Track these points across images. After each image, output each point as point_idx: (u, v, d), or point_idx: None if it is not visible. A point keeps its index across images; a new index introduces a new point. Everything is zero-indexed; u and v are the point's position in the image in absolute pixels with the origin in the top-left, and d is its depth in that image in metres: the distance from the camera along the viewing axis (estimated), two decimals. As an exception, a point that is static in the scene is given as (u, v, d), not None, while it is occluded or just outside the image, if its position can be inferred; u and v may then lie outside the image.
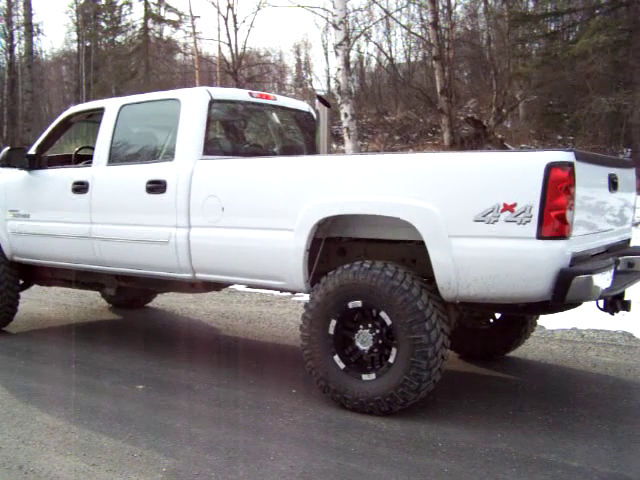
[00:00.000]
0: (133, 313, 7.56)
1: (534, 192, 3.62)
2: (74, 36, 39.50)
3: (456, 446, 3.68)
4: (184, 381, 4.93)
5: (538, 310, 4.24)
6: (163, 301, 8.02)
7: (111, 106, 5.55)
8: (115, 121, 5.44)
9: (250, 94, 5.47)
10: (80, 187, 5.48)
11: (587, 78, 17.09)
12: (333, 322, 4.23)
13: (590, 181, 3.96)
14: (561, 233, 3.63)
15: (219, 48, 25.93)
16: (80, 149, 6.45)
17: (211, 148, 5.01)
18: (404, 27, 25.95)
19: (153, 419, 4.16)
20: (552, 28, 21.40)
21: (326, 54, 50.91)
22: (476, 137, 21.06)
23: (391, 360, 4.04)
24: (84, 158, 6.20)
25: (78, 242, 5.55)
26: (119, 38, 38.92)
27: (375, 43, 26.68)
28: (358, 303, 4.14)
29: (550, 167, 3.60)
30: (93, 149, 6.10)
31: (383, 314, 4.05)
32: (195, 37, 26.03)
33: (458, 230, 3.83)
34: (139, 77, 29.78)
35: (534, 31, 19.46)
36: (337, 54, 17.42)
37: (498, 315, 5.29)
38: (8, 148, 5.86)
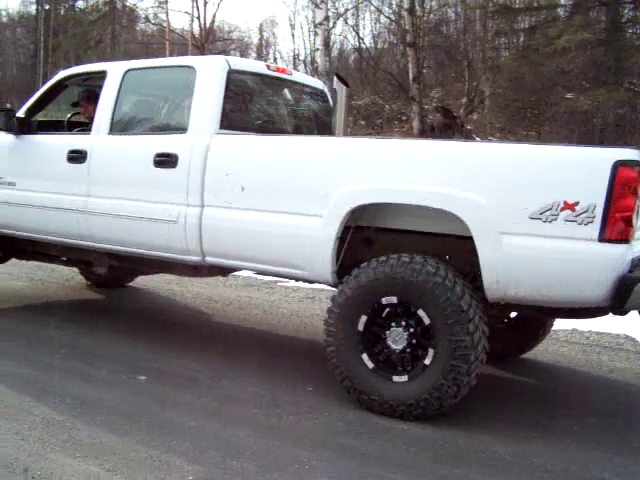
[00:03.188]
0: (115, 292, 7.10)
1: (599, 191, 3.37)
2: (32, -3, 37.94)
3: (500, 458, 3.43)
4: (187, 372, 4.56)
5: (582, 315, 4.00)
6: (145, 281, 7.57)
7: (114, 70, 5.08)
8: (119, 87, 4.98)
9: (267, 67, 5.09)
10: (77, 156, 5.01)
11: (564, 74, 17.12)
12: (363, 318, 3.92)
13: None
14: (625, 236, 3.40)
15: (192, 20, 25.09)
16: (73, 115, 5.94)
17: (227, 122, 4.61)
18: (381, 12, 25.52)
19: (163, 416, 3.79)
20: (528, 23, 21.40)
21: (293, 35, 50.17)
22: (445, 127, 20.92)
23: (427, 362, 3.76)
24: (77, 125, 5.72)
25: (71, 215, 5.09)
26: (80, 4, 37.55)
27: (352, 27, 26.22)
28: (393, 299, 3.84)
29: (618, 165, 3.35)
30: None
31: (421, 312, 3.76)
32: (167, 8, 25.17)
33: (511, 227, 3.56)
34: (104, 45, 28.69)
35: (513, 24, 19.38)
36: (317, 33, 17.03)
37: (513, 314, 5.08)
38: (-4, 109, 5.34)
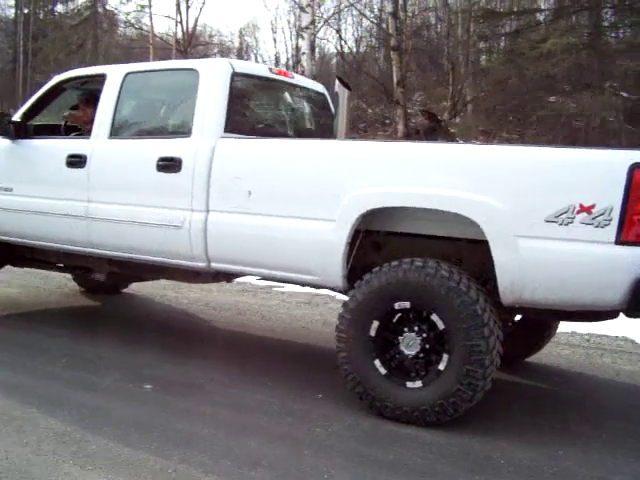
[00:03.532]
0: (110, 299, 6.98)
1: (615, 193, 3.35)
2: (11, 1, 37.50)
3: (519, 464, 3.39)
4: (193, 380, 4.48)
5: (596, 318, 3.98)
6: (138, 287, 7.46)
7: (114, 73, 4.99)
8: (119, 90, 4.89)
9: (270, 70, 5.03)
10: (76, 161, 4.91)
11: (549, 78, 17.23)
12: (375, 323, 3.86)
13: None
14: (641, 239, 3.38)
15: (176, 24, 24.93)
16: (66, 118, 5.81)
17: (231, 126, 4.54)
18: (364, 16, 25.55)
19: (174, 426, 3.70)
20: (510, 27, 21.51)
21: (274, 39, 50.15)
22: (430, 130, 20.97)
23: (441, 367, 3.72)
24: (73, 129, 5.62)
25: (71, 221, 4.98)
26: (60, 8, 37.18)
27: (336, 30, 26.21)
28: (406, 304, 3.79)
29: (634, 168, 3.33)
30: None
31: (435, 317, 3.71)
32: (151, 12, 24.99)
33: (527, 230, 3.52)
34: (86, 50, 28.40)
35: (498, 28, 19.47)
36: (303, 37, 17.04)
37: (518, 317, 5.05)
38: (-7, 114, 5.22)
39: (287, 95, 5.25)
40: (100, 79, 5.07)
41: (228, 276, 4.89)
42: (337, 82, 5.26)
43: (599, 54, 16.79)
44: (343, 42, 27.63)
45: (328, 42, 31.56)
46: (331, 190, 4.00)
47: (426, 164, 3.81)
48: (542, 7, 19.13)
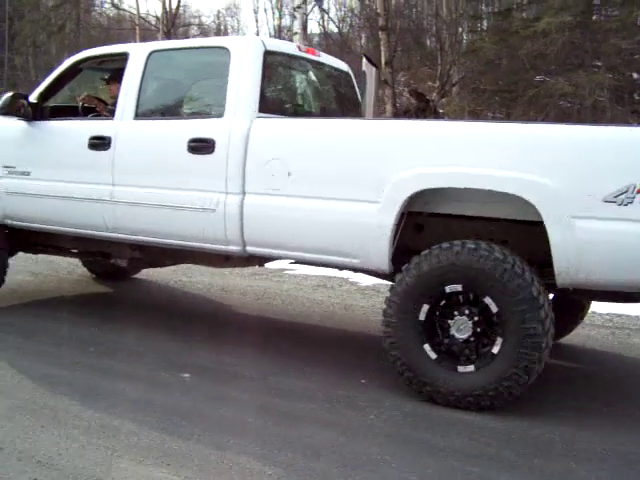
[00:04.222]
0: (123, 285, 6.83)
1: (677, 172, 3.29)
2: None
3: (591, 449, 3.31)
4: (228, 367, 4.37)
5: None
6: (149, 272, 7.28)
7: (137, 52, 4.81)
8: (143, 69, 4.70)
9: (298, 48, 4.88)
10: (100, 143, 4.74)
11: (542, 57, 17.15)
12: (425, 307, 3.77)
13: None
14: (703, 218, 3.31)
15: (163, 5, 24.46)
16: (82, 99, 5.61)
17: (265, 105, 4.40)
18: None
19: (222, 415, 3.60)
20: (500, 6, 21.39)
21: (256, 20, 49.59)
22: (419, 110, 20.84)
23: (495, 351, 3.64)
24: (90, 110, 5.43)
25: (94, 206, 4.82)
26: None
27: (324, 10, 25.87)
28: (457, 287, 3.70)
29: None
30: (100, 100, 5.39)
31: (488, 300, 3.63)
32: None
33: (584, 211, 3.44)
34: (67, 32, 27.76)
35: (490, 7, 19.35)
36: (295, 17, 16.79)
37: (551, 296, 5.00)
38: (11, 94, 4.98)
39: (314, 73, 5.11)
40: (122, 58, 4.88)
41: (260, 260, 4.76)
42: (364, 60, 5.12)
43: (591, 33, 16.75)
44: (330, 21, 27.11)
45: (311, 20, 31.12)
46: (376, 170, 3.88)
47: (478, 144, 3.71)
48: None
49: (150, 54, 4.74)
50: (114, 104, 4.95)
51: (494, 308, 3.61)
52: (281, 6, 36.18)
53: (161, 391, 3.92)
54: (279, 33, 34.88)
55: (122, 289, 6.71)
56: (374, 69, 5.12)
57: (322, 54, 5.17)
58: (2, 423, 3.40)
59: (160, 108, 4.78)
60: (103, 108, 5.33)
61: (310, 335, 5.36)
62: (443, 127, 3.98)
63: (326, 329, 5.54)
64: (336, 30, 31.52)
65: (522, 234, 3.90)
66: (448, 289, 3.72)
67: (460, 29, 21.90)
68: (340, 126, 4.18)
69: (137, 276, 7.13)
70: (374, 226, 3.89)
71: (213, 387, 4.01)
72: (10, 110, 4.96)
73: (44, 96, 5.18)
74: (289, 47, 4.84)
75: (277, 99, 4.68)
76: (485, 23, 23.39)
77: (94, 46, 5.68)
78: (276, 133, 4.23)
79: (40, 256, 7.00)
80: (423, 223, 4.16)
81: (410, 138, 3.90)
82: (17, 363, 4.32)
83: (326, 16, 29.65)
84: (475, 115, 20.89)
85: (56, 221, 5.11)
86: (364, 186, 3.92)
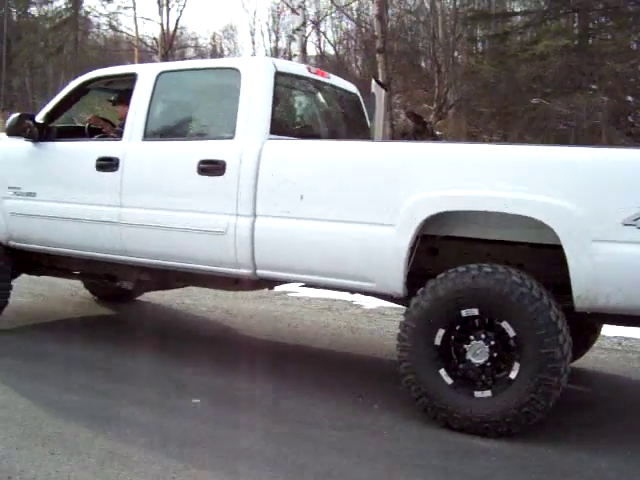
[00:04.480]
0: (126, 307, 6.75)
1: (698, 194, 3.26)
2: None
3: (605, 476, 3.27)
4: (239, 393, 4.30)
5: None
6: (152, 294, 7.21)
7: (146, 73, 4.78)
8: (152, 90, 4.67)
9: (308, 69, 4.87)
10: (107, 164, 4.69)
11: (539, 79, 17.27)
12: (441, 331, 3.72)
13: None
14: None
15: (161, 27, 24.62)
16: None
17: (276, 127, 4.37)
18: (350, 18, 25.48)
19: (233, 441, 3.53)
20: (495, 30, 21.57)
21: (253, 42, 50.02)
22: (416, 133, 20.92)
23: (512, 376, 3.58)
24: (95, 131, 5.39)
25: (100, 227, 4.76)
26: (34, 10, 36.50)
27: (322, 32, 26.08)
28: (474, 311, 3.65)
29: None
30: (106, 121, 5.35)
31: (505, 324, 3.58)
32: (135, 14, 24.64)
33: (603, 234, 3.41)
34: (65, 53, 27.87)
35: (486, 31, 19.51)
36: (294, 39, 16.88)
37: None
38: (17, 114, 4.95)
39: (323, 95, 5.09)
40: (130, 79, 4.85)
41: (270, 283, 4.70)
42: (373, 82, 5.11)
43: (588, 56, 16.90)
44: (328, 43, 27.32)
45: (310, 43, 31.37)
46: (391, 193, 3.84)
47: (496, 166, 3.68)
48: (530, 9, 19.11)
49: (159, 75, 4.72)
50: (121, 125, 4.93)
51: (511, 332, 3.56)
52: (278, 29, 36.50)
53: (174, 418, 3.84)
54: (276, 55, 35.14)
55: (125, 312, 6.63)
56: (383, 91, 5.10)
57: (331, 76, 5.16)
58: (11, 452, 3.30)
59: (169, 129, 4.75)
60: (110, 129, 5.31)
61: (319, 359, 5.29)
62: (459, 149, 3.96)
63: (334, 353, 5.47)
64: (332, 52, 31.83)
65: (538, 257, 3.86)
66: (464, 313, 3.67)
67: (456, 52, 22.05)
68: (354, 148, 4.15)
69: (140, 298, 7.05)
70: (389, 249, 3.84)
71: (224, 412, 3.94)
72: (17, 131, 4.92)
73: (51, 116, 5.14)
74: (299, 68, 4.84)
75: (287, 120, 4.66)
76: (481, 46, 23.62)
77: (92, 68, 5.65)
78: (288, 155, 4.20)
79: (42, 277, 6.91)
80: (437, 246, 4.11)
81: (426, 160, 3.87)
82: (24, 387, 4.23)
83: (323, 38, 29.91)
84: (472, 137, 21.00)
85: (62, 243, 5.05)
86: (379, 209, 3.88)
